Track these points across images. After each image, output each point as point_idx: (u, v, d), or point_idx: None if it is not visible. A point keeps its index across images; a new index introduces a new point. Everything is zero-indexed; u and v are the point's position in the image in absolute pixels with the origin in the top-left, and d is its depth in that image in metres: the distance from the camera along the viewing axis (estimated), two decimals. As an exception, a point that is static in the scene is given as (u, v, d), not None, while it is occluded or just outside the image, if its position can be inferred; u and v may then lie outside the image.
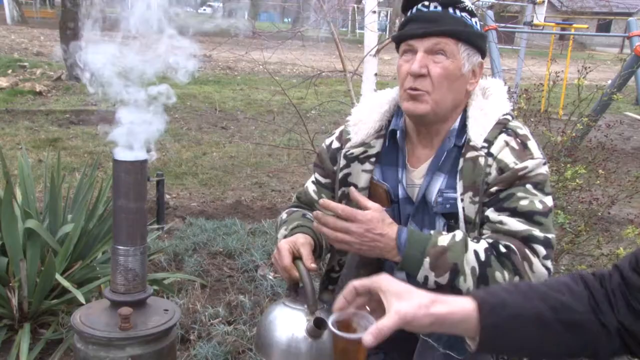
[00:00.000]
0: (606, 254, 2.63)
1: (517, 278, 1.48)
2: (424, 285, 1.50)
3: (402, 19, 1.67)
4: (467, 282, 1.46)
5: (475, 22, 1.62)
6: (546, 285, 1.14)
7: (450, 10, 1.59)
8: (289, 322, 1.51)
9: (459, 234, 1.51)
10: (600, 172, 2.89)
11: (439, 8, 1.59)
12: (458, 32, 1.57)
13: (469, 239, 1.51)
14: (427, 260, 1.47)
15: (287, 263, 1.55)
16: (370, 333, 1.04)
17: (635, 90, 7.83)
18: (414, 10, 1.62)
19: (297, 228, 1.69)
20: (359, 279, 1.16)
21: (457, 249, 1.47)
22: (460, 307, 1.10)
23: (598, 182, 2.93)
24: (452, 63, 1.57)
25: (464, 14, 1.60)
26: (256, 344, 1.58)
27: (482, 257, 1.47)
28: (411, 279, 1.75)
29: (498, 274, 1.47)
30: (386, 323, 1.05)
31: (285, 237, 1.67)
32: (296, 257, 1.57)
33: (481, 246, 1.49)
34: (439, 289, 1.50)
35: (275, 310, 1.57)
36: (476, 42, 1.61)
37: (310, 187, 1.86)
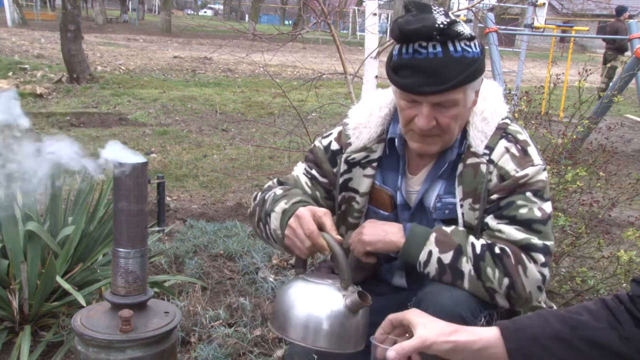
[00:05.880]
0: (607, 256, 2.62)
1: (506, 280, 1.49)
2: (425, 264, 1.53)
3: (396, 51, 1.52)
4: (469, 263, 1.50)
5: (475, 45, 1.49)
6: (566, 310, 1.24)
7: (451, 47, 1.45)
8: (321, 298, 1.40)
9: (460, 228, 1.58)
10: (601, 174, 2.89)
11: (439, 48, 1.44)
12: (464, 79, 1.47)
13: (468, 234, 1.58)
14: (433, 235, 1.54)
15: (314, 229, 1.46)
16: (394, 349, 1.24)
17: (636, 93, 7.82)
18: (411, 49, 1.46)
19: (299, 203, 1.59)
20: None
21: (460, 234, 1.55)
22: (481, 335, 1.23)
23: (599, 184, 2.94)
24: (460, 106, 1.51)
25: (463, 43, 1.46)
26: (280, 325, 1.44)
27: (478, 250, 1.51)
28: (411, 280, 1.75)
29: (489, 270, 1.49)
30: (408, 344, 1.24)
31: (284, 210, 1.58)
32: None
33: (479, 242, 1.54)
34: (440, 281, 1.52)
35: (298, 286, 1.44)
36: (480, 73, 1.52)
37: (302, 179, 1.78)
